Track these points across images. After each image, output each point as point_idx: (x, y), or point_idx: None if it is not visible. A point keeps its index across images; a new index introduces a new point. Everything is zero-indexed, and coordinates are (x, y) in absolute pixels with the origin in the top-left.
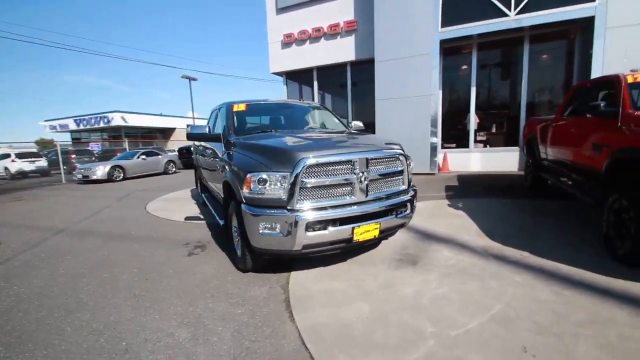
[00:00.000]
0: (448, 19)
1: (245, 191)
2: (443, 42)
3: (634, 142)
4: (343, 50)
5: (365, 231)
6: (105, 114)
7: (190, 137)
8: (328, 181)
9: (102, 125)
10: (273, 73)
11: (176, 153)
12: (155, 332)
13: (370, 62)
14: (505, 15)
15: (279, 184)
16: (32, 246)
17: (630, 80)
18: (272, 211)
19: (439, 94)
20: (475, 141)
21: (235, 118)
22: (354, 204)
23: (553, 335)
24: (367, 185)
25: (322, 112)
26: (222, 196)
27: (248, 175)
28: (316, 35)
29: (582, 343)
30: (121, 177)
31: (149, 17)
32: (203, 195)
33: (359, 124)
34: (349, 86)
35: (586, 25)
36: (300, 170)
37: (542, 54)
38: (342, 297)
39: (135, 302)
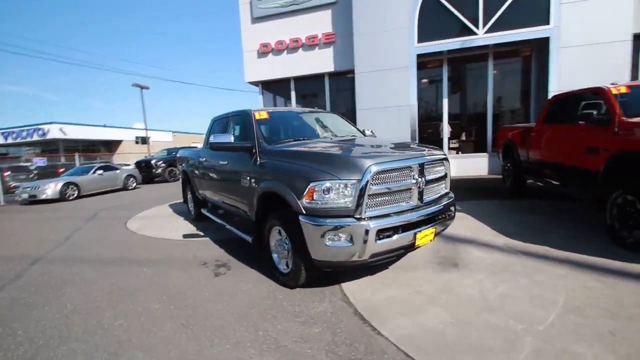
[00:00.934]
0: (423, 35)
1: (305, 201)
2: (419, 56)
3: (634, 145)
4: (321, 62)
5: (425, 236)
6: (40, 126)
7: (214, 147)
8: (392, 188)
9: (36, 138)
10: (249, 82)
11: (133, 167)
12: None
13: (349, 73)
14: (474, 33)
15: (346, 192)
16: (11, 280)
17: (614, 91)
18: (341, 221)
19: (416, 105)
20: (449, 148)
21: (260, 126)
22: (413, 209)
23: (625, 318)
24: (422, 190)
25: (337, 118)
26: (253, 209)
27: (311, 185)
28: (294, 46)
29: None
30: (75, 195)
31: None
32: (206, 210)
33: (369, 132)
34: (328, 96)
35: (542, 44)
36: (370, 178)
37: (505, 69)
38: (411, 305)
39: (191, 333)
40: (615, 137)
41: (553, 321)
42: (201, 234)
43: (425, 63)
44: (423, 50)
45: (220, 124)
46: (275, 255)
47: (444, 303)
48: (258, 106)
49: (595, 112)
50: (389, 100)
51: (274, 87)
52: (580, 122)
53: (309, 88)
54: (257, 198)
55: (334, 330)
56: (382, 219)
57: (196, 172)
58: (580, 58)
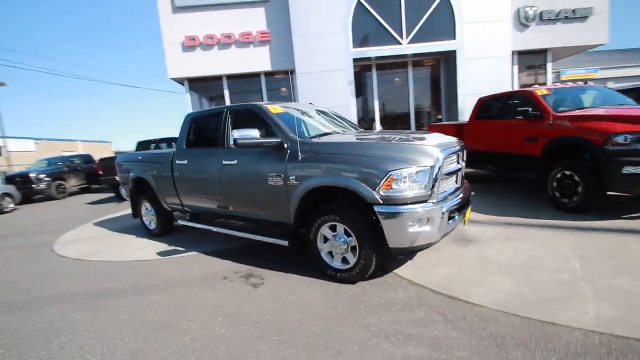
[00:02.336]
0: (356, 41)
1: (382, 191)
2: (354, 60)
3: (568, 133)
4: (257, 60)
5: (468, 214)
6: None
7: (243, 145)
8: (449, 172)
9: None
10: (173, 79)
11: (2, 182)
12: None
13: (286, 73)
14: (399, 43)
15: (423, 178)
16: None
17: (540, 93)
18: (423, 206)
19: (355, 106)
20: None
21: (283, 120)
22: (457, 190)
23: (617, 256)
24: (461, 174)
25: (336, 115)
26: (288, 210)
27: (390, 173)
28: (226, 42)
29: None
30: None
31: None
32: (185, 221)
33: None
34: (265, 96)
35: (450, 56)
36: (440, 163)
37: (421, 76)
38: (472, 277)
39: (300, 347)
40: (551, 128)
41: (581, 267)
42: (181, 248)
43: (358, 67)
44: (357, 55)
45: (203, 122)
46: (324, 254)
47: (495, 270)
48: (184, 105)
49: (530, 109)
50: (332, 101)
51: (203, 85)
52: (517, 117)
53: (243, 87)
54: (300, 197)
55: (435, 310)
56: (448, 202)
57: (167, 178)
58: (478, 68)
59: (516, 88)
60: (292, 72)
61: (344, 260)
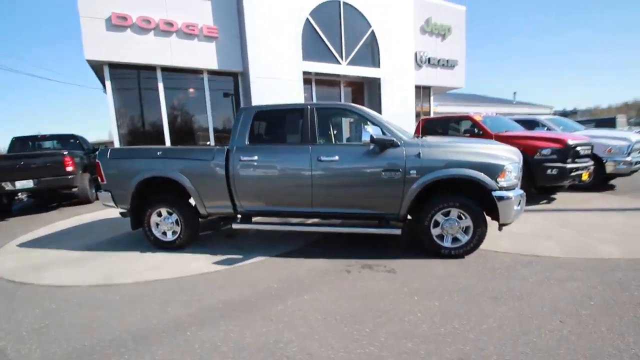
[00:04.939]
0: (305, 55)
1: (500, 180)
2: (303, 73)
3: None
4: (201, 56)
5: None
6: None
7: (378, 141)
8: None
9: None
10: (89, 60)
11: None
12: None
13: (233, 75)
14: (339, 63)
15: (517, 171)
16: None
17: (478, 118)
18: (517, 191)
19: None
20: None
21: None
22: None
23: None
24: None
25: None
26: (401, 202)
27: (506, 166)
28: (167, 29)
29: None
30: None
31: None
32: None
33: None
34: (208, 96)
35: (374, 82)
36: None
37: (350, 95)
38: (528, 241)
39: (521, 316)
40: None
41: (610, 236)
42: (238, 256)
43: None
44: (306, 68)
45: (275, 117)
46: (436, 235)
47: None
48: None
49: (476, 130)
50: None
51: (129, 75)
52: (464, 135)
53: (181, 83)
54: (419, 188)
55: (531, 264)
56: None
57: (216, 177)
58: (394, 94)
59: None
60: (241, 74)
61: (454, 239)
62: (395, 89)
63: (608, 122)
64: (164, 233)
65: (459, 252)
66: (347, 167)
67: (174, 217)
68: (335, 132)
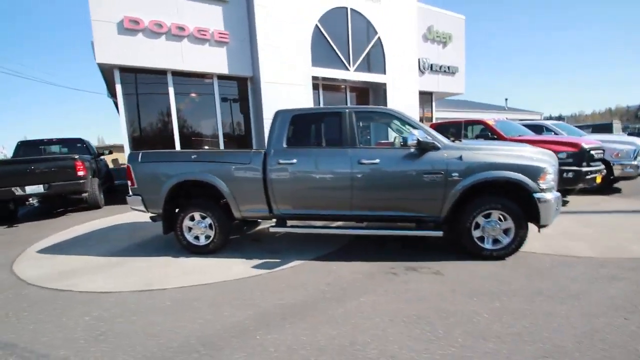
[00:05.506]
0: (315, 61)
1: (540, 182)
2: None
3: None
4: (212, 60)
5: None
6: None
7: (424, 145)
8: None
9: None
10: (100, 63)
11: None
12: None
13: (242, 80)
14: (348, 69)
15: (555, 174)
16: None
17: (491, 123)
18: (556, 193)
19: None
20: None
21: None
22: None
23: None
24: None
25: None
26: (442, 205)
27: (546, 169)
28: (178, 34)
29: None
30: None
31: None
32: (287, 225)
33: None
34: (217, 100)
35: (380, 87)
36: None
37: (356, 99)
38: (557, 242)
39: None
40: None
41: (634, 236)
42: (277, 260)
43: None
44: (315, 74)
45: (313, 121)
46: (477, 237)
47: (580, 238)
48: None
49: (489, 134)
50: None
51: (139, 79)
52: (479, 138)
53: (191, 88)
54: (461, 191)
55: (569, 263)
56: None
57: (253, 180)
58: (399, 98)
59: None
60: (251, 79)
61: (495, 241)
62: (400, 95)
63: (605, 127)
64: (197, 237)
65: (500, 254)
66: (388, 170)
67: (207, 221)
68: (369, 136)
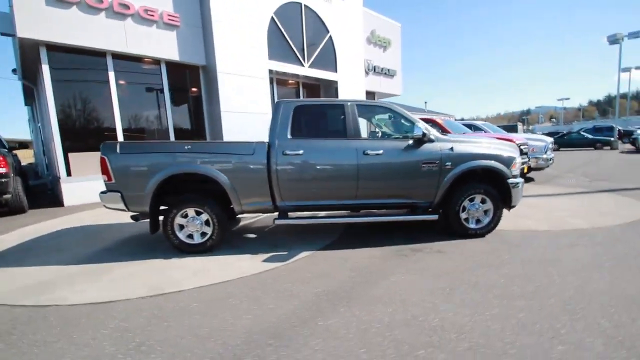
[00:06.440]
0: (270, 55)
1: (512, 170)
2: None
3: None
4: (160, 45)
5: None
6: None
7: (426, 138)
8: None
9: None
10: (22, 37)
11: None
12: None
13: (193, 68)
14: (303, 65)
15: (519, 163)
16: None
17: (440, 121)
18: (521, 180)
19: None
20: None
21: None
22: None
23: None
24: None
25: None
26: (437, 191)
27: (516, 159)
28: (121, 12)
29: None
30: None
31: None
32: (287, 218)
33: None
34: (166, 89)
35: (331, 85)
36: None
37: (309, 94)
38: (515, 221)
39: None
40: None
41: (568, 213)
42: (283, 253)
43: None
44: (271, 67)
45: (315, 112)
46: (464, 219)
47: (576, 215)
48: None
49: (440, 130)
50: (255, 106)
51: (70, 59)
52: None
53: (136, 75)
54: (453, 178)
55: (535, 237)
56: None
57: (256, 171)
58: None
59: None
60: (204, 68)
61: (477, 221)
62: (349, 93)
63: (512, 128)
64: (190, 236)
65: (482, 232)
66: (391, 161)
67: (203, 217)
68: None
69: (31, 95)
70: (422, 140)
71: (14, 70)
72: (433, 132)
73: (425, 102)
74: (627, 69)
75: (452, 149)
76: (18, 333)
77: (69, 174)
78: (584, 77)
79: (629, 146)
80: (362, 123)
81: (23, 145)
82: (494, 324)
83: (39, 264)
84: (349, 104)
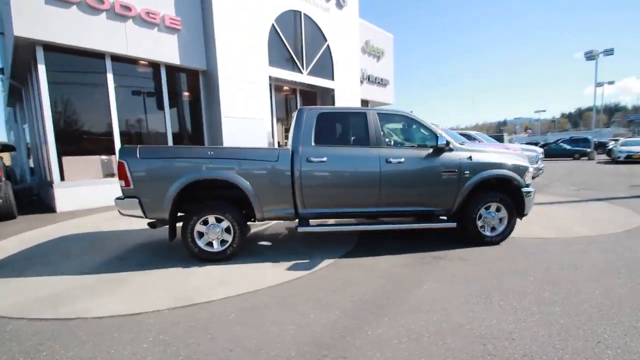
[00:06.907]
0: (270, 61)
1: (525, 179)
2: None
3: None
4: (160, 48)
5: None
6: None
7: (448, 147)
8: None
9: None
10: (19, 37)
11: None
12: None
13: (193, 73)
14: (301, 72)
15: (531, 172)
16: None
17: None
18: (533, 189)
19: (269, 119)
20: None
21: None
22: None
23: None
24: None
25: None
26: (455, 199)
27: (530, 169)
28: (122, 13)
29: None
30: None
31: None
32: (312, 226)
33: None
34: (165, 93)
35: (328, 93)
36: None
37: (305, 102)
38: (527, 229)
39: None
40: None
41: (570, 220)
42: (305, 261)
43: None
44: (272, 74)
45: (339, 120)
46: (480, 226)
47: (577, 223)
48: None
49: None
50: (255, 112)
51: (67, 61)
52: None
53: (133, 77)
54: (471, 186)
55: (545, 243)
56: None
57: (280, 177)
58: (346, 104)
59: None
60: (204, 73)
61: (492, 229)
62: (346, 101)
63: (498, 138)
64: (209, 243)
65: (497, 240)
66: (412, 169)
67: (224, 224)
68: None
69: (17, 95)
70: (443, 149)
71: (0, 70)
72: (453, 141)
73: (411, 111)
74: (601, 84)
75: (470, 157)
76: (46, 349)
77: (62, 178)
78: (557, 91)
79: (604, 157)
80: None
81: (10, 147)
82: (539, 329)
83: (48, 274)
84: (370, 112)
